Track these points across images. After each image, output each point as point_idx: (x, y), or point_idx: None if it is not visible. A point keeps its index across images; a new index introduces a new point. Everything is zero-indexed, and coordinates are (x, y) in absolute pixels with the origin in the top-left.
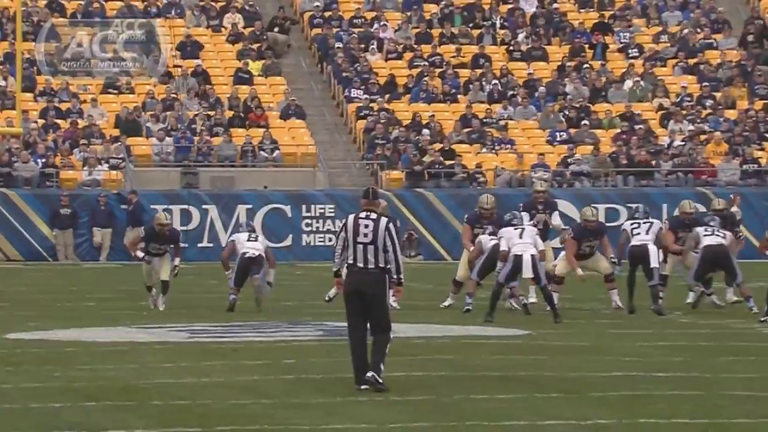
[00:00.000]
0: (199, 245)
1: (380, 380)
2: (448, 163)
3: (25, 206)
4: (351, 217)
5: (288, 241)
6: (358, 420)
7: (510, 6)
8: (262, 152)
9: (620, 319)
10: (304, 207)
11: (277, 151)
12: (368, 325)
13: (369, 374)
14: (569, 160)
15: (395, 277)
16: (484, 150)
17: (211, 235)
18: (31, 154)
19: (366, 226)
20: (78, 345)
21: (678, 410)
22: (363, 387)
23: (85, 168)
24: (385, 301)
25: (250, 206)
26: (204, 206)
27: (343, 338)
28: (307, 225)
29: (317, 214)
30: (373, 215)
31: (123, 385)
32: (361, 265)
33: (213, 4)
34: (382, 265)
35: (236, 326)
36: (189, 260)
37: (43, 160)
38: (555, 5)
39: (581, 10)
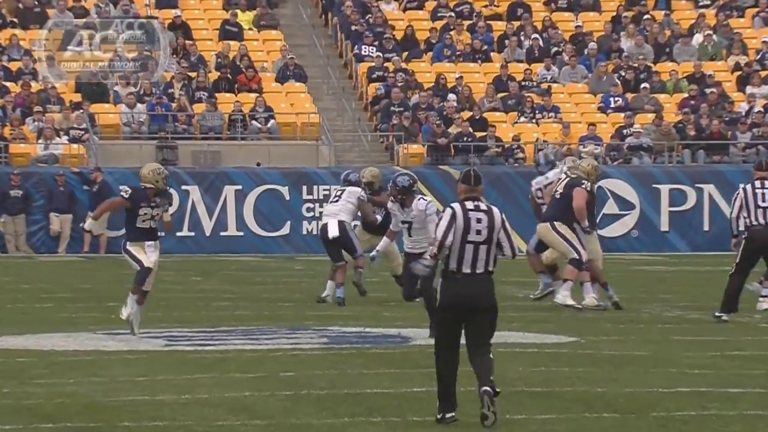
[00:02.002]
0: (179, 234)
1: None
2: (479, 135)
3: None
4: (458, 207)
5: (286, 229)
6: None
7: None
8: (254, 122)
9: (687, 324)
10: (305, 188)
11: (272, 121)
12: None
13: (485, 388)
14: (626, 131)
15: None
16: (522, 119)
17: (192, 222)
18: None
19: (479, 221)
20: (32, 355)
21: None
22: (449, 416)
23: (40, 141)
24: (496, 312)
25: (239, 187)
26: (184, 187)
27: (352, 347)
28: (309, 210)
29: (321, 197)
30: (483, 205)
31: (87, 402)
32: (467, 270)
33: None
34: (491, 268)
35: (223, 332)
36: (166, 252)
37: None
38: None
39: None
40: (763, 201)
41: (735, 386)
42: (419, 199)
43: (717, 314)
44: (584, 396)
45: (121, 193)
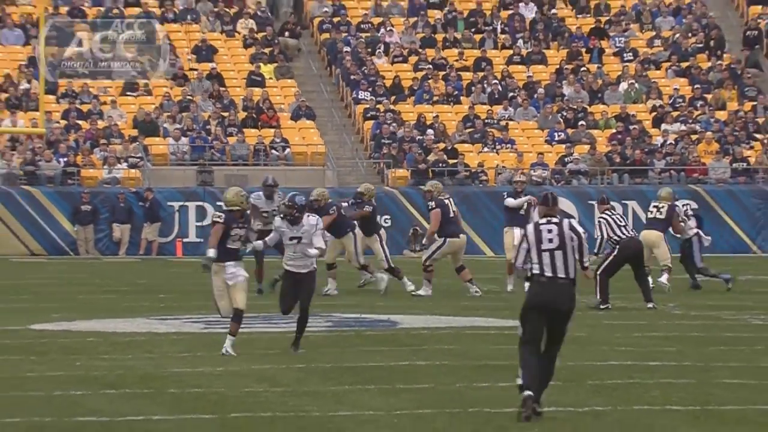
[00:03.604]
0: None
1: (540, 410)
2: (451, 162)
3: (48, 203)
4: (530, 225)
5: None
6: (365, 407)
7: (510, 12)
8: (273, 151)
9: (615, 311)
10: None
11: (287, 150)
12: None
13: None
14: (567, 159)
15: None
16: (485, 149)
17: None
18: (54, 153)
19: (549, 231)
20: (99, 336)
21: (671, 398)
22: (527, 393)
23: (105, 166)
24: (571, 318)
25: None
26: (218, 203)
27: (351, 329)
28: None
29: None
30: (555, 219)
31: (141, 373)
32: (549, 274)
33: (227, 9)
34: (572, 275)
35: (249, 317)
36: (203, 254)
37: (65, 159)
38: (553, 11)
39: (578, 16)
40: (622, 221)
41: (653, 360)
42: (308, 216)
43: (602, 306)
44: None
45: (216, 219)
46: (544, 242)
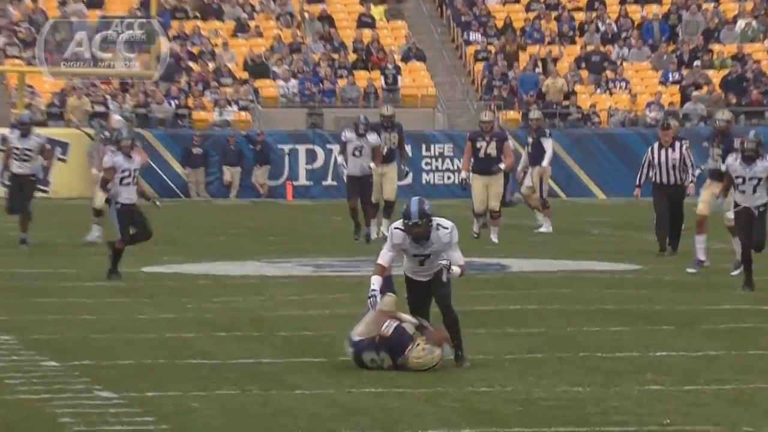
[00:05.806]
0: (324, 183)
1: None
2: (564, 103)
3: (160, 146)
4: None
5: (408, 180)
6: (476, 351)
7: None
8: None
9: (729, 255)
10: (423, 146)
11: (398, 93)
12: None
13: None
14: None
15: None
16: (598, 91)
17: (335, 174)
18: (165, 95)
19: None
20: (210, 278)
21: None
22: None
23: (216, 109)
24: None
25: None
26: (328, 146)
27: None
28: (427, 164)
29: (436, 154)
30: None
31: (252, 316)
32: None
33: None
34: None
35: (360, 261)
36: (313, 197)
37: (177, 102)
38: None
39: None
40: None
41: (766, 304)
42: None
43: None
44: (646, 312)
45: None
46: None
